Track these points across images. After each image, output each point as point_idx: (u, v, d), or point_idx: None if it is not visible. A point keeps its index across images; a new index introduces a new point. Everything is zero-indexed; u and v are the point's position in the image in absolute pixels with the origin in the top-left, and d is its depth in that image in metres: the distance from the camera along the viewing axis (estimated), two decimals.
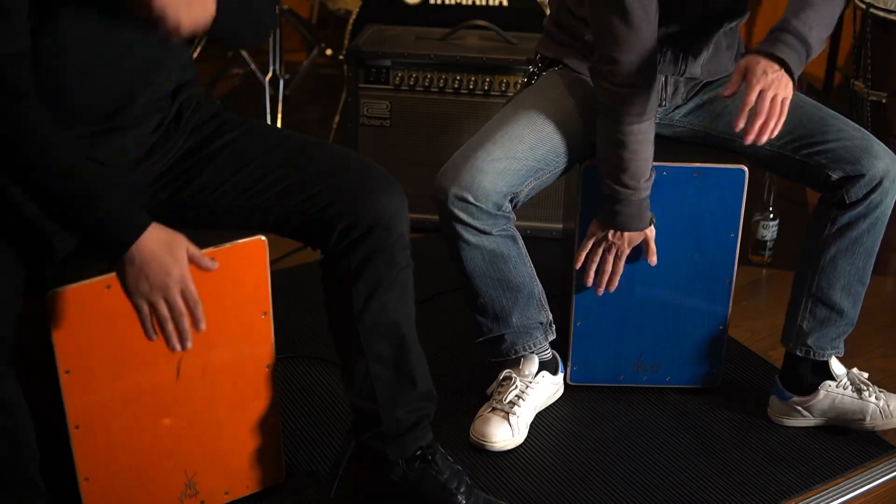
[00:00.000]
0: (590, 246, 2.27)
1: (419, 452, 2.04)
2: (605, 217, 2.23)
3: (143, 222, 1.67)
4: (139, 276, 1.66)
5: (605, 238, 2.24)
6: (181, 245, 1.70)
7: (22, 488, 1.74)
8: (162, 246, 1.67)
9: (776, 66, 2.03)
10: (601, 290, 2.31)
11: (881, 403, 2.30)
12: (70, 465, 1.88)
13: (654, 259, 2.29)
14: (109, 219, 1.65)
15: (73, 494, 1.90)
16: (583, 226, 2.32)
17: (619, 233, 2.23)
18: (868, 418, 2.31)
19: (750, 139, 2.01)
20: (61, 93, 1.75)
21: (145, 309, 1.68)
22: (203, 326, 1.71)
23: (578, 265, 2.30)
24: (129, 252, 1.65)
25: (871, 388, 2.32)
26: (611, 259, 2.27)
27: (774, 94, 2.00)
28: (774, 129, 2.01)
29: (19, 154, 1.65)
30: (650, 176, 2.18)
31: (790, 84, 2.03)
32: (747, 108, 2.00)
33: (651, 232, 2.26)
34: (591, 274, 2.29)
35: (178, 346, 1.70)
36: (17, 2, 1.64)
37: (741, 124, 2.01)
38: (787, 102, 2.02)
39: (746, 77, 2.02)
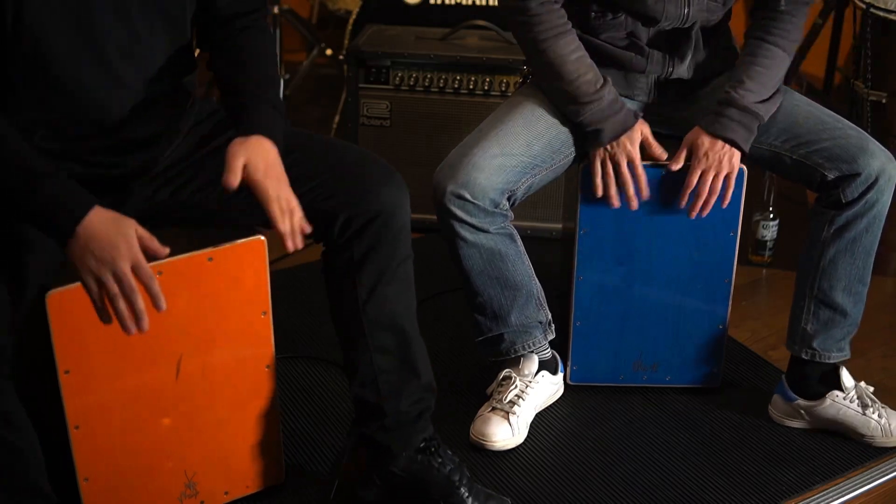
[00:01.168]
0: (599, 170, 2.22)
1: (423, 444, 2.05)
2: (591, 139, 2.22)
3: (87, 200, 1.66)
4: (85, 252, 1.63)
5: (607, 154, 2.21)
6: (129, 224, 1.67)
7: (30, 496, 1.75)
8: (108, 223, 1.65)
9: (720, 145, 2.18)
10: (634, 203, 2.23)
11: (883, 421, 2.30)
12: (70, 465, 1.88)
13: (658, 152, 2.22)
14: (54, 199, 1.64)
15: (73, 494, 1.90)
16: (583, 226, 2.32)
17: (612, 143, 2.20)
18: (868, 434, 2.30)
19: (692, 215, 2.24)
20: (52, 102, 1.75)
21: (93, 286, 1.64)
22: (162, 304, 1.67)
23: (599, 192, 2.24)
24: (75, 231, 1.63)
25: (875, 405, 2.31)
26: (625, 169, 2.21)
27: (715, 173, 2.19)
28: (723, 203, 2.23)
29: None
30: (604, 83, 2.19)
31: (736, 157, 2.20)
32: (688, 190, 2.22)
33: (645, 128, 2.22)
34: (613, 192, 2.23)
35: (132, 328, 1.66)
36: None
37: (683, 203, 2.24)
38: (733, 176, 2.22)
39: (691, 157, 2.20)
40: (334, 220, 1.91)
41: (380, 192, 1.91)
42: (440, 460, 2.05)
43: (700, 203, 2.23)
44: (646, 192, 2.24)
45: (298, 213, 1.81)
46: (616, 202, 2.24)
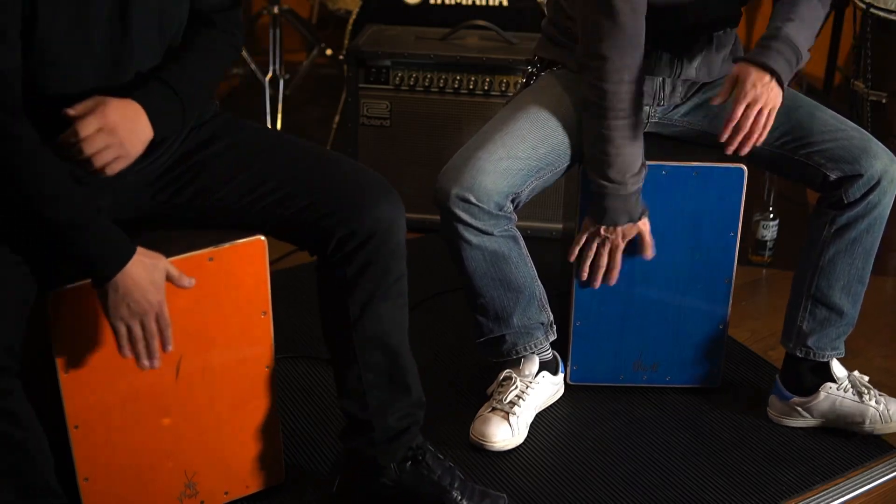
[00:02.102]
0: (583, 241, 2.26)
1: (409, 454, 2.05)
2: (595, 212, 2.22)
3: (128, 251, 1.71)
4: (121, 302, 1.72)
5: (599, 233, 2.23)
6: (161, 270, 1.76)
7: (39, 493, 1.75)
8: (144, 273, 1.72)
9: (766, 78, 2.09)
10: (597, 284, 2.29)
11: (881, 408, 2.30)
12: (70, 465, 1.88)
13: (650, 252, 2.27)
14: (94, 248, 1.69)
15: (73, 494, 1.90)
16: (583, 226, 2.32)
17: (611, 227, 2.21)
18: (868, 422, 2.31)
19: (730, 150, 2.12)
20: (51, 103, 1.75)
21: (123, 330, 1.75)
22: (170, 348, 1.79)
23: (572, 258, 2.29)
24: (114, 280, 1.70)
25: (871, 392, 2.32)
26: (605, 253, 2.26)
27: (761, 107, 2.08)
28: (758, 140, 2.12)
29: (5, 174, 1.65)
30: (639, 171, 2.17)
31: (779, 95, 2.10)
32: (732, 123, 2.10)
33: (645, 225, 2.24)
34: (586, 269, 2.28)
35: (146, 364, 1.77)
36: (12, 19, 1.64)
37: (725, 136, 2.11)
38: (774, 112, 2.11)
39: (735, 88, 2.10)
40: (330, 238, 1.90)
41: (376, 210, 1.90)
42: (428, 467, 2.05)
43: (740, 137, 2.10)
44: (613, 280, 2.28)
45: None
46: (585, 276, 2.29)
